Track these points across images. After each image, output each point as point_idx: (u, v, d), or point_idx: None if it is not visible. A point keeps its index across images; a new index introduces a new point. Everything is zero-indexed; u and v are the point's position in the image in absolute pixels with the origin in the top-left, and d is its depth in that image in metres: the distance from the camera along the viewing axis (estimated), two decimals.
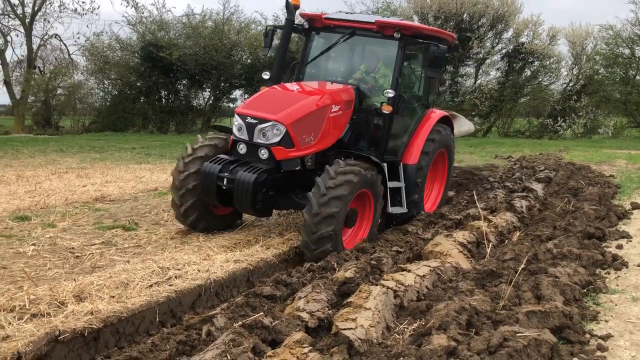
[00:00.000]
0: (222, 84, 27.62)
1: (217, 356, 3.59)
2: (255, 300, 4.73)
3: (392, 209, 7.73)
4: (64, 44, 31.52)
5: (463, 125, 11.01)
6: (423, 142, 8.32)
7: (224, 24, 26.82)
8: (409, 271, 5.42)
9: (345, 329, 4.01)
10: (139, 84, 27.40)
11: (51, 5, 30.84)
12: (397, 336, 4.29)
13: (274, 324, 4.22)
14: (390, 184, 7.63)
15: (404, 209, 7.91)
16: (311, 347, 3.80)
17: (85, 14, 30.72)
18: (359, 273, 5.38)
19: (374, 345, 4.02)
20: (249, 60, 27.14)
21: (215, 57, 25.41)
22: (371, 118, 7.78)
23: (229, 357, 3.62)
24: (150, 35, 26.28)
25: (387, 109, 7.53)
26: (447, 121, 9.16)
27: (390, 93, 7.45)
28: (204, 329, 4.22)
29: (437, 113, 8.87)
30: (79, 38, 30.45)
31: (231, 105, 28.66)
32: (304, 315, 4.43)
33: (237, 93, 28.98)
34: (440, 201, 9.39)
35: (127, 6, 33.16)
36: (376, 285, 4.94)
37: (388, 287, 4.88)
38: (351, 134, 7.76)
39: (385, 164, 7.56)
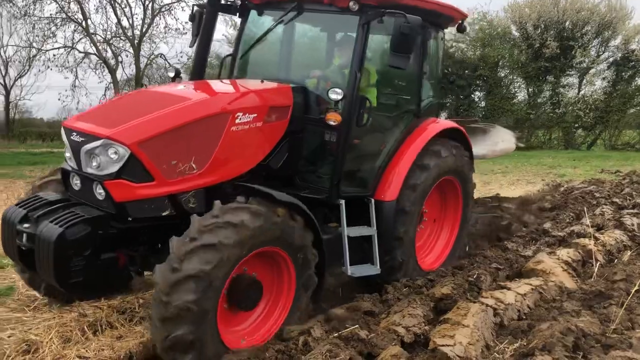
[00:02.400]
0: None
1: None
2: (352, 313, 4.74)
3: (353, 270, 5.24)
4: (169, 63, 33.46)
5: (499, 142, 8.50)
6: (407, 167, 5.69)
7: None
8: (509, 289, 5.23)
9: (443, 345, 3.94)
10: None
11: (157, 27, 32.92)
12: (497, 355, 4.15)
13: (369, 337, 4.22)
14: (352, 231, 5.26)
15: (375, 269, 5.44)
16: None
17: (186, 33, 32.48)
18: (456, 290, 5.26)
19: None
20: None
21: None
22: (324, 132, 5.31)
23: None
24: None
25: (333, 119, 5.06)
26: (458, 136, 6.43)
27: (337, 94, 4.94)
28: (301, 339, 4.29)
29: (438, 124, 6.17)
30: (182, 57, 32.10)
31: None
32: (400, 329, 4.39)
33: None
34: (452, 252, 6.57)
35: (227, 26, 34.78)
36: (474, 302, 4.81)
37: (487, 305, 4.73)
38: (288, 156, 5.26)
39: (342, 202, 5.20)
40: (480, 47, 25.67)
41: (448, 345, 3.94)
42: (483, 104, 26.25)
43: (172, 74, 5.91)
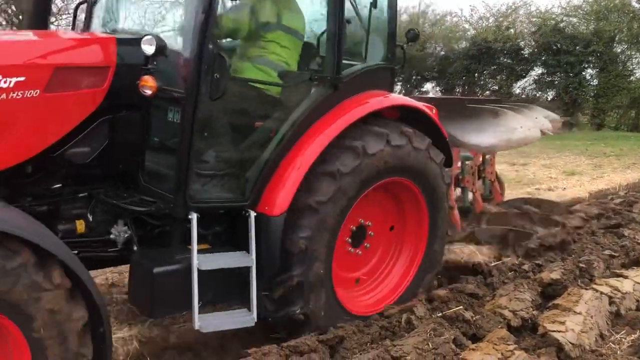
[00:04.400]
0: (414, 77, 27.66)
1: (419, 343, 3.66)
2: (456, 295, 4.69)
3: (203, 321, 3.50)
4: None
5: (518, 128, 6.43)
6: (307, 166, 3.84)
7: (419, 16, 26.83)
8: (627, 277, 4.95)
9: (554, 331, 3.82)
10: None
11: None
12: (613, 345, 3.96)
13: (474, 318, 4.16)
14: (208, 261, 3.53)
15: (247, 318, 3.68)
16: (516, 345, 3.69)
17: None
18: (566, 275, 5.04)
19: (586, 352, 3.76)
20: (442, 52, 26.83)
21: (408, 50, 25.46)
22: (168, 109, 3.62)
23: (430, 345, 3.66)
24: None
25: (147, 85, 3.29)
26: (423, 121, 4.57)
27: (149, 44, 3.24)
28: (404, 317, 4.30)
29: (382, 100, 4.33)
30: None
31: None
32: (506, 313, 4.29)
33: (428, 86, 28.84)
34: (414, 283, 4.72)
35: None
36: (587, 289, 4.60)
37: (602, 293, 4.52)
38: (108, 144, 3.60)
39: (193, 216, 3.49)
40: (594, 21, 23.95)
41: (559, 332, 3.82)
42: (595, 82, 24.55)
43: None
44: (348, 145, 3.97)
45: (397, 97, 4.61)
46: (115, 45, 3.52)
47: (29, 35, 3.76)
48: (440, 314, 4.22)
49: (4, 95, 3.08)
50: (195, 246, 3.46)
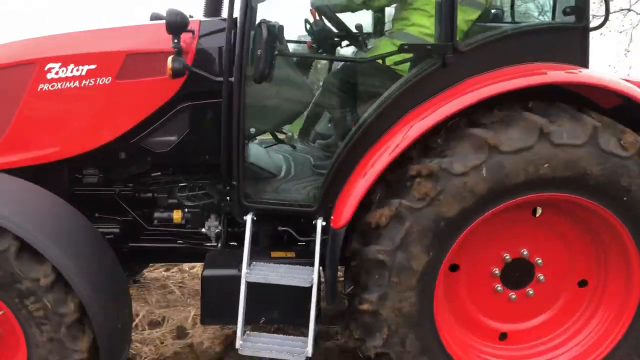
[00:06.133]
0: None
1: None
2: None
3: (246, 343, 2.99)
4: None
5: None
6: (385, 164, 2.88)
7: None
8: None
9: None
10: None
11: None
12: None
13: None
14: (256, 272, 3.04)
15: (299, 350, 2.95)
16: None
17: None
18: None
19: None
20: None
21: None
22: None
23: None
24: None
25: (167, 67, 3.02)
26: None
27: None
28: None
29: (537, 76, 2.92)
30: None
31: None
32: None
33: None
34: (620, 348, 3.11)
35: None
36: None
37: None
38: (189, 133, 3.33)
39: (248, 217, 3.13)
40: None
41: None
42: None
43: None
44: (469, 135, 2.79)
45: (582, 73, 2.99)
46: (198, 30, 3.29)
47: (108, 26, 3.70)
48: None
49: (77, 83, 3.17)
50: (247, 253, 3.02)
